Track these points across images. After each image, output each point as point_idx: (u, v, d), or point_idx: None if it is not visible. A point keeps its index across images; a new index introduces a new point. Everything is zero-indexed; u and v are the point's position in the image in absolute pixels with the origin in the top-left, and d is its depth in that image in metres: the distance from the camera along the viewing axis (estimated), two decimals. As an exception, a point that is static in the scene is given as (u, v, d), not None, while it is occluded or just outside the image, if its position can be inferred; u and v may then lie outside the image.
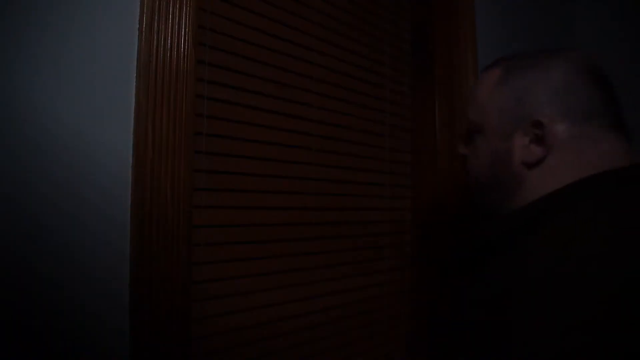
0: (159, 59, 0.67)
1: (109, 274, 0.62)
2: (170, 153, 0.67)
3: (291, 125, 0.92)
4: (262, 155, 0.87)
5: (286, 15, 0.92)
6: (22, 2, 0.56)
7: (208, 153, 0.78)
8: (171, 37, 0.68)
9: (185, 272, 0.69)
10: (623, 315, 0.38)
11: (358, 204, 1.06)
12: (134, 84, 0.65)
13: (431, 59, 1.22)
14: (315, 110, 0.97)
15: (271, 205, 0.88)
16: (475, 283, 0.51)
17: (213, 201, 0.79)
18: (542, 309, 0.41)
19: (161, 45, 0.67)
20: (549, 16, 1.70)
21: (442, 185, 1.16)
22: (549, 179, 0.55)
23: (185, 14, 0.70)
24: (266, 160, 0.87)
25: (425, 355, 1.17)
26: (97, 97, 0.62)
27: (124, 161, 0.64)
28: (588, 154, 0.54)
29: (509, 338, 0.41)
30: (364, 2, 1.10)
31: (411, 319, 1.18)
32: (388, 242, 1.14)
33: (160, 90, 0.67)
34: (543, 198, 0.53)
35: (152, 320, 0.64)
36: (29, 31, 0.57)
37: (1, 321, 0.54)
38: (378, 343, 1.09)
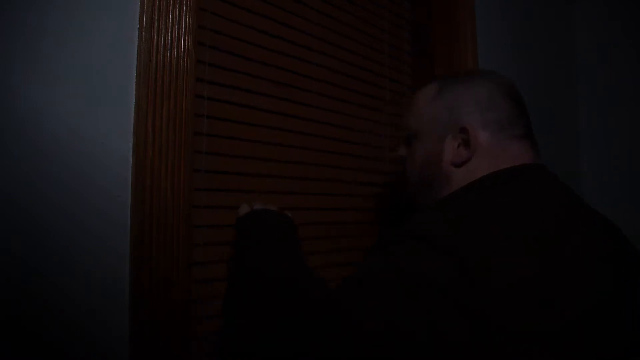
0: (159, 59, 0.67)
1: (109, 274, 0.62)
2: (170, 153, 0.67)
3: (291, 125, 0.92)
4: (262, 155, 0.87)
5: (286, 15, 0.92)
6: (22, 2, 0.56)
7: (208, 153, 0.78)
8: (171, 37, 0.68)
9: (185, 272, 0.69)
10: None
11: (358, 204, 1.06)
12: (134, 84, 0.65)
13: (431, 59, 1.22)
14: (315, 110, 0.97)
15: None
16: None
17: (213, 201, 0.79)
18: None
19: (161, 45, 0.67)
20: (549, 15, 1.70)
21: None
22: (469, 178, 0.65)
23: (185, 13, 0.70)
24: (266, 160, 0.87)
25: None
26: (97, 97, 0.62)
27: (124, 161, 0.64)
28: (499, 158, 0.65)
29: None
30: (364, 2, 1.10)
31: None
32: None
33: (160, 90, 0.67)
34: (451, 193, 0.66)
35: (152, 320, 0.64)
36: (29, 30, 0.57)
37: (1, 321, 0.54)
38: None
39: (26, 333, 0.55)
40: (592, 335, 0.50)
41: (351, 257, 1.03)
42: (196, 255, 0.75)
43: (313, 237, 0.95)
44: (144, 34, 0.66)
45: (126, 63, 0.65)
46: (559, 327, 0.48)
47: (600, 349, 0.50)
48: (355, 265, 1.04)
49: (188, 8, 0.70)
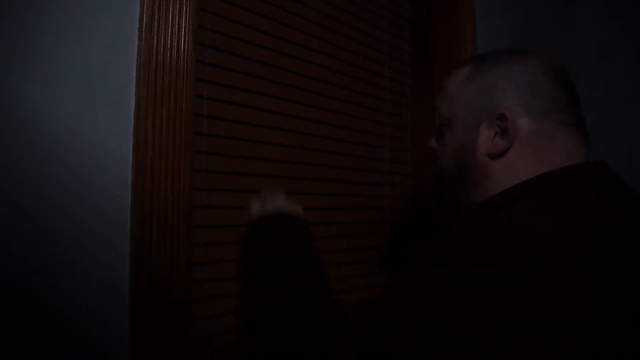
0: (159, 59, 0.67)
1: (109, 274, 0.62)
2: (170, 153, 0.67)
3: (291, 125, 0.92)
4: (262, 156, 0.87)
5: (286, 15, 0.92)
6: (22, 2, 0.56)
7: (208, 153, 0.78)
8: (171, 37, 0.68)
9: (185, 272, 0.69)
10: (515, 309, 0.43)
11: (358, 204, 1.06)
12: (134, 84, 0.65)
13: (431, 59, 1.22)
14: (315, 110, 0.97)
15: (271, 205, 0.88)
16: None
17: (213, 201, 0.79)
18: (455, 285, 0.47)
19: (161, 45, 0.67)
20: (549, 15, 1.70)
21: (442, 185, 1.16)
22: (510, 171, 0.58)
23: (185, 13, 0.70)
24: (266, 160, 0.87)
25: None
26: (97, 97, 0.62)
27: (124, 161, 0.64)
28: (545, 149, 0.58)
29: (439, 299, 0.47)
30: (364, 2, 1.10)
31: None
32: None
33: (160, 90, 0.67)
34: (497, 194, 0.58)
35: (152, 320, 0.64)
36: (29, 30, 0.57)
37: (1, 321, 0.54)
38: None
39: (26, 333, 0.55)
40: None
41: (351, 257, 1.03)
42: (196, 255, 0.75)
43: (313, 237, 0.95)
44: (144, 34, 0.66)
45: (126, 63, 0.65)
46: None
47: None
48: (355, 265, 1.04)
49: (188, 8, 0.70)
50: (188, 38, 0.70)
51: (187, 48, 0.70)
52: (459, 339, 0.44)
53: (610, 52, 1.78)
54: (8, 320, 0.54)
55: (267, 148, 0.87)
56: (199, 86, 0.76)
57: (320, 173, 0.97)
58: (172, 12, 0.68)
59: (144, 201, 0.64)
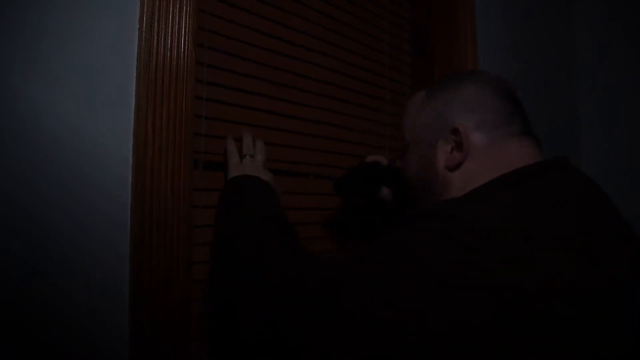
0: (159, 59, 0.67)
1: (109, 274, 0.62)
2: (170, 153, 0.67)
3: (290, 125, 0.92)
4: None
5: (286, 15, 0.92)
6: (22, 2, 0.56)
7: (208, 153, 0.78)
8: (171, 37, 0.68)
9: (185, 272, 0.69)
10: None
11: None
12: (134, 84, 0.65)
13: (431, 59, 1.22)
14: (315, 110, 0.97)
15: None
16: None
17: (213, 201, 0.79)
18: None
19: (161, 46, 0.67)
20: (549, 15, 1.70)
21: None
22: (468, 180, 0.63)
23: (185, 14, 0.70)
24: (265, 160, 0.87)
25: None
26: (97, 97, 0.62)
27: (124, 161, 0.64)
28: (499, 157, 0.63)
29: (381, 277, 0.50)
30: (364, 2, 1.10)
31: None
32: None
33: (160, 91, 0.67)
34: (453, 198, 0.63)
35: (152, 320, 0.64)
36: (29, 30, 0.57)
37: (1, 321, 0.54)
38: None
39: (26, 333, 0.55)
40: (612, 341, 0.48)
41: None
42: (196, 255, 0.75)
43: (313, 237, 0.95)
44: (144, 34, 0.66)
45: (126, 63, 0.65)
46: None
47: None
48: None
49: (188, 8, 0.70)
50: (188, 38, 0.70)
51: (187, 48, 0.70)
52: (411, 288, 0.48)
53: (610, 52, 1.78)
54: (8, 320, 0.54)
55: (266, 148, 0.87)
56: (199, 87, 0.76)
57: (320, 173, 0.97)
58: (172, 12, 0.69)
59: (144, 201, 0.64)
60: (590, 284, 0.48)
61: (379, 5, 1.14)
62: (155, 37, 0.66)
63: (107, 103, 0.63)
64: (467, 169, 0.64)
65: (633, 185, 1.69)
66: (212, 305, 0.71)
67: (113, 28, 0.64)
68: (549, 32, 1.69)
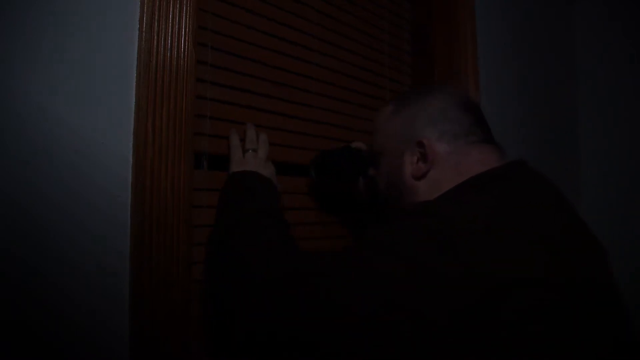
0: (159, 59, 0.67)
1: (109, 274, 0.62)
2: (170, 153, 0.67)
3: (291, 125, 0.92)
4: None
5: (286, 15, 0.92)
6: (22, 2, 0.56)
7: (208, 153, 0.78)
8: (171, 38, 0.68)
9: (185, 272, 0.69)
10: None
11: (358, 204, 1.06)
12: (134, 84, 0.65)
13: (431, 59, 1.22)
14: (315, 110, 0.97)
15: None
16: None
17: (213, 201, 0.79)
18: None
19: (161, 45, 0.67)
20: (549, 15, 1.70)
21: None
22: (434, 187, 0.67)
23: (186, 14, 0.70)
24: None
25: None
26: (97, 97, 0.62)
27: (124, 161, 0.64)
28: (462, 164, 0.67)
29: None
30: (364, 2, 1.10)
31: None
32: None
33: (160, 90, 0.67)
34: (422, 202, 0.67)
35: (152, 320, 0.64)
36: (29, 30, 0.57)
37: (1, 321, 0.54)
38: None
39: (26, 333, 0.55)
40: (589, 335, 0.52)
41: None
42: (196, 255, 0.75)
43: (313, 237, 0.95)
44: (144, 34, 0.66)
45: (126, 63, 0.65)
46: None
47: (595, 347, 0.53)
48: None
49: (188, 8, 0.70)
50: (188, 38, 0.70)
51: (187, 48, 0.70)
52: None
53: (610, 52, 1.78)
54: (8, 320, 0.54)
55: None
56: (199, 86, 0.76)
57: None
58: (172, 12, 0.68)
59: (144, 201, 0.64)
60: (559, 274, 0.53)
61: (379, 5, 1.14)
62: (155, 37, 0.66)
63: (107, 103, 0.63)
64: (432, 177, 0.69)
65: (633, 185, 1.70)
66: (210, 303, 0.72)
67: (113, 28, 0.64)
68: (549, 32, 1.69)
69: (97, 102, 0.62)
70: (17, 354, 0.55)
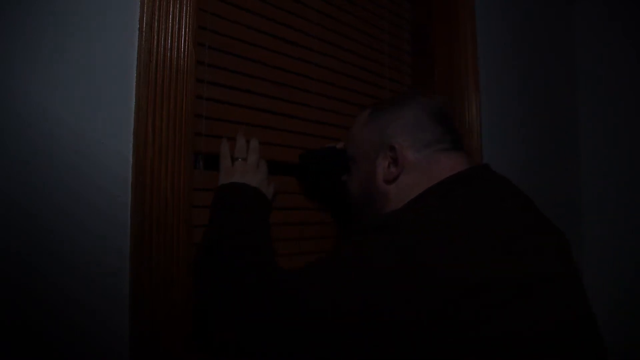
0: (159, 59, 0.67)
1: (109, 274, 0.62)
2: (170, 153, 0.67)
3: (290, 125, 0.92)
4: (261, 156, 0.86)
5: (286, 15, 0.92)
6: (22, 2, 0.56)
7: (208, 153, 0.78)
8: (171, 37, 0.68)
9: (185, 271, 0.69)
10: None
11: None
12: (134, 84, 0.65)
13: (431, 59, 1.22)
14: (315, 110, 0.97)
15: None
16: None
17: (213, 201, 0.79)
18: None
19: (161, 45, 0.67)
20: (549, 15, 1.70)
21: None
22: (404, 191, 0.71)
23: (186, 14, 0.70)
24: (266, 161, 0.87)
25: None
26: (97, 97, 0.62)
27: (124, 161, 0.64)
28: (431, 170, 0.71)
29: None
30: (364, 2, 1.10)
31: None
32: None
33: (160, 90, 0.67)
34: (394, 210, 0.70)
35: (152, 320, 0.64)
36: (29, 30, 0.57)
37: (1, 321, 0.54)
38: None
39: (26, 333, 0.55)
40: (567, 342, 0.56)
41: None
42: (196, 255, 0.75)
43: (313, 237, 0.95)
44: (144, 34, 0.66)
45: (126, 63, 0.65)
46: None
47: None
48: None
49: (188, 8, 0.70)
50: (188, 38, 0.70)
51: (187, 48, 0.70)
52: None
53: (610, 52, 1.78)
54: (8, 320, 0.54)
55: (266, 149, 0.87)
56: (199, 86, 0.76)
57: (320, 173, 0.97)
58: (172, 12, 0.68)
59: (144, 201, 0.64)
60: (516, 273, 0.56)
61: (379, 5, 1.14)
62: (155, 37, 0.66)
63: (107, 103, 0.63)
64: (402, 182, 0.72)
65: (633, 185, 1.70)
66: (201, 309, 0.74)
67: (113, 28, 0.64)
68: (549, 32, 1.69)
69: (97, 102, 0.62)
70: (17, 354, 0.55)
